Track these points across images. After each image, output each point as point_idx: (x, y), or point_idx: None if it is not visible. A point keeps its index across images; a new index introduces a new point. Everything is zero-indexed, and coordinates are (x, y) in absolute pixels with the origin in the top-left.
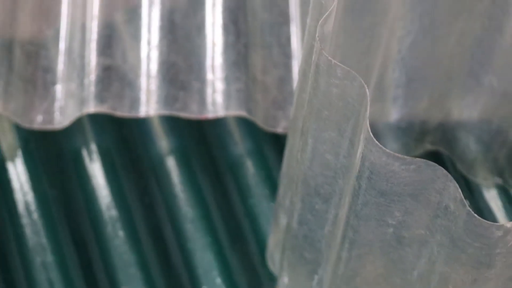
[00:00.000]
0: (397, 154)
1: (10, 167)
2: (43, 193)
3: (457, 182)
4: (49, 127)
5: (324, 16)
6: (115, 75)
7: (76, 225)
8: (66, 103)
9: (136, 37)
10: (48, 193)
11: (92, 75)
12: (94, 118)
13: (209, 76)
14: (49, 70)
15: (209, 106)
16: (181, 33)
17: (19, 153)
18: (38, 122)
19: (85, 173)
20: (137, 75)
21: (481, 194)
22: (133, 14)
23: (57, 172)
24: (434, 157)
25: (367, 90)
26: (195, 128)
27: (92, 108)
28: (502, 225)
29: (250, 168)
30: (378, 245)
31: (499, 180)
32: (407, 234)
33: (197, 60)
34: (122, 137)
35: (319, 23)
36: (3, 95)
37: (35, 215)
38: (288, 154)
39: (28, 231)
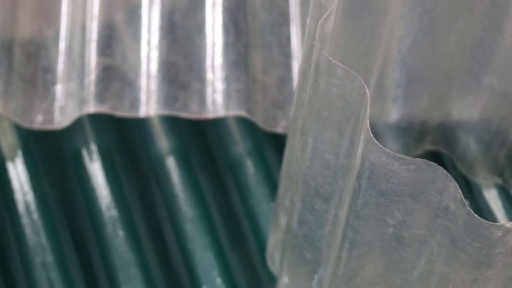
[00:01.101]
0: (397, 154)
1: (10, 167)
2: (43, 193)
3: (457, 182)
4: (49, 127)
5: (324, 16)
6: (115, 75)
7: (76, 225)
8: (66, 103)
9: (136, 37)
10: (48, 193)
11: (92, 75)
12: (94, 118)
13: (209, 76)
14: (49, 70)
15: (209, 106)
16: (181, 33)
17: (19, 153)
18: (38, 122)
19: (85, 173)
20: (137, 75)
21: (481, 194)
22: (133, 14)
23: (57, 172)
24: (434, 157)
25: (367, 90)
26: (195, 128)
27: (92, 108)
28: (502, 225)
29: (250, 168)
30: (378, 245)
31: (499, 180)
32: (407, 234)
33: (197, 60)
34: (122, 137)
35: (319, 23)
36: (3, 95)
37: (35, 215)
38: (288, 154)
39: (28, 231)
